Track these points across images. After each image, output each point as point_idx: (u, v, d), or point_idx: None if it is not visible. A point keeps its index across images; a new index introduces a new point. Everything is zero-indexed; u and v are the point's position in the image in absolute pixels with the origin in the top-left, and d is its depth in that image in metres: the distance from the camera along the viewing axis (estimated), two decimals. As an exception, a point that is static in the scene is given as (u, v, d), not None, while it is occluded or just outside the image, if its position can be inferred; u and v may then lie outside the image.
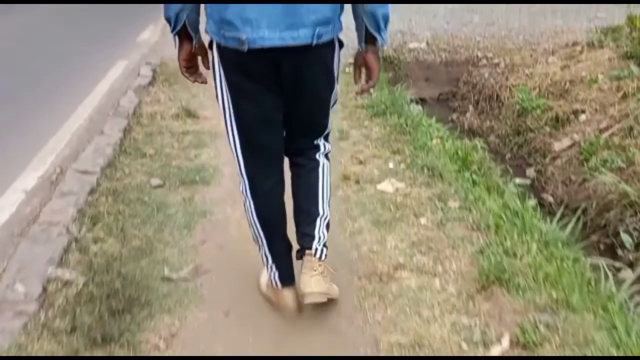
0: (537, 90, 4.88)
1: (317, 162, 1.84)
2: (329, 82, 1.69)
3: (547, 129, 4.40)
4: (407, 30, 6.70)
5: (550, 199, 3.85)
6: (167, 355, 1.71)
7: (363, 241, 2.34)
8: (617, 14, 7.31)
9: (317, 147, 1.84)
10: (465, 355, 1.71)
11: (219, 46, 1.56)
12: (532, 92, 4.88)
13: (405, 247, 2.29)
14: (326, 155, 1.87)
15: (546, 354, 1.68)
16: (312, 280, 1.74)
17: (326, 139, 1.87)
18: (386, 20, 1.60)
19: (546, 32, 6.32)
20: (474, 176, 3.32)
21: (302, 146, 1.82)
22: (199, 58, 1.68)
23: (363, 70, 1.73)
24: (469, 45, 6.12)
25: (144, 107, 3.99)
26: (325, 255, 1.80)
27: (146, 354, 1.70)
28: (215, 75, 1.64)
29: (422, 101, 5.87)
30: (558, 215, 2.87)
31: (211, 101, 4.27)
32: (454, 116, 5.56)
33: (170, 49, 5.74)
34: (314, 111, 1.75)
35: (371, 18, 1.58)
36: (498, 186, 3.32)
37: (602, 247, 3.20)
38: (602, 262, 2.39)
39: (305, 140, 1.82)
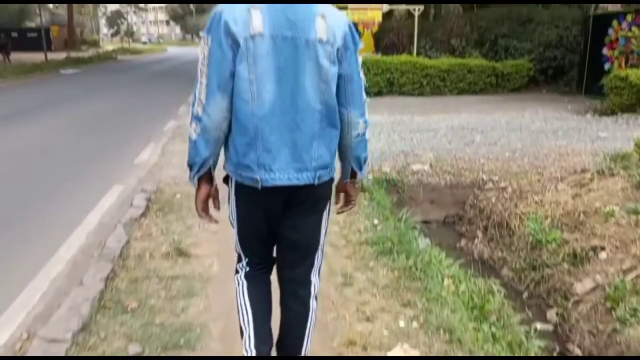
0: (549, 220, 4.66)
1: (308, 307, 1.99)
2: (324, 210, 1.94)
3: (566, 265, 4.10)
4: (410, 150, 6.65)
5: (578, 350, 3.46)
6: None
7: None
8: (618, 134, 7.34)
9: (309, 285, 1.98)
10: None
11: (235, 182, 1.82)
12: (544, 221, 4.65)
13: None
14: (316, 297, 2.02)
15: None
16: None
17: (319, 273, 2.02)
18: (365, 160, 1.97)
19: (551, 154, 6.24)
20: (494, 328, 3.02)
21: (296, 278, 1.97)
22: (211, 200, 1.89)
23: (342, 195, 2.06)
24: (473, 167, 6.01)
25: (133, 244, 3.72)
26: None
27: None
28: (229, 201, 1.90)
29: (427, 224, 5.66)
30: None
31: (206, 234, 4.05)
32: (463, 243, 5.29)
33: (168, 172, 5.74)
34: (310, 237, 1.94)
35: (356, 160, 1.94)
36: (521, 342, 2.99)
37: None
38: None
39: (299, 271, 1.96)
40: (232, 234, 1.98)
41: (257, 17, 1.64)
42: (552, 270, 4.16)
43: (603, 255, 3.96)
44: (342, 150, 1.91)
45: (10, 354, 2.44)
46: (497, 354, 2.72)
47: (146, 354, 2.50)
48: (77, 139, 7.57)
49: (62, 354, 2.36)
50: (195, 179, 1.81)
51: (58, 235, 3.88)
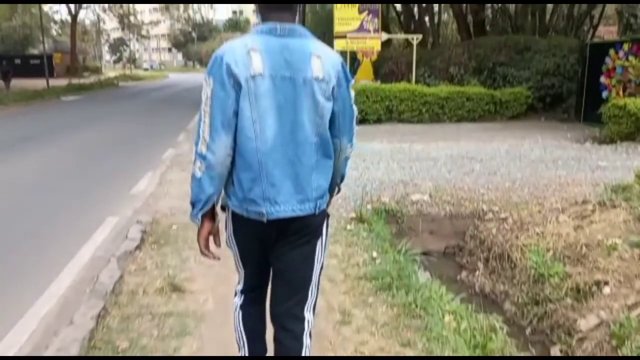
0: (551, 252, 4.58)
1: (301, 344, 1.98)
2: (319, 240, 1.98)
3: (569, 300, 4.01)
4: (409, 179, 6.60)
5: (584, 390, 3.34)
6: None
7: None
8: (618, 163, 7.31)
9: (302, 321, 1.98)
10: None
11: (236, 217, 1.87)
12: (546, 254, 4.57)
13: None
14: (310, 334, 2.01)
15: None
16: None
17: (313, 309, 2.03)
18: (344, 176, 2.10)
19: (551, 184, 6.20)
20: (497, 369, 2.92)
21: (288, 311, 1.96)
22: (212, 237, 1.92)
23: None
24: (473, 197, 5.96)
25: (126, 278, 3.64)
26: None
27: None
28: (227, 228, 1.94)
29: (427, 255, 5.58)
30: None
31: (202, 267, 3.96)
32: (463, 275, 5.20)
33: (165, 202, 5.68)
34: (303, 268, 1.96)
35: (339, 176, 2.06)
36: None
37: None
38: None
39: (291, 304, 1.96)
40: (231, 255, 2.04)
41: (257, 59, 1.72)
42: (556, 305, 4.06)
43: (607, 290, 3.87)
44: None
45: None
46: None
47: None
48: (75, 168, 7.54)
49: (48, 400, 2.26)
50: (199, 216, 1.83)
51: (50, 270, 3.81)
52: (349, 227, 5.00)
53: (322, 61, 1.78)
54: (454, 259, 5.62)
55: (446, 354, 2.79)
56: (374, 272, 3.85)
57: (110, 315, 3.12)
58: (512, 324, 4.16)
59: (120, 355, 2.71)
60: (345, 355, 2.81)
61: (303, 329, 1.97)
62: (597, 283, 3.96)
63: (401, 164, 7.54)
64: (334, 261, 4.08)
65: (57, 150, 9.02)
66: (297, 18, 1.84)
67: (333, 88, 1.81)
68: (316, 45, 1.81)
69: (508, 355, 3.22)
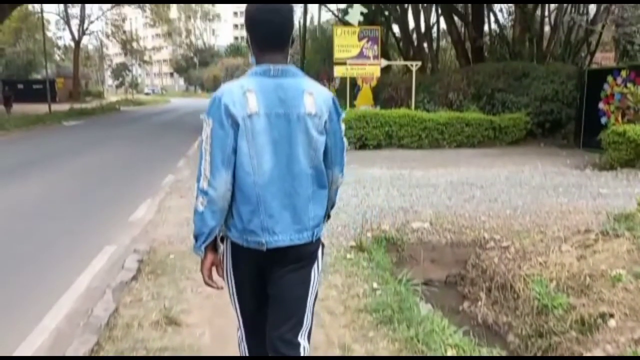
0: (554, 283, 4.50)
1: None
2: (313, 266, 2.04)
3: (574, 333, 3.92)
4: (409, 207, 6.56)
5: None
6: None
7: None
8: (619, 191, 7.28)
9: (297, 347, 1.99)
10: None
11: (235, 248, 1.94)
12: (550, 284, 4.50)
13: None
14: None
15: None
16: None
17: (308, 336, 2.06)
18: (334, 204, 2.19)
19: (552, 212, 6.15)
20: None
21: (282, 336, 1.98)
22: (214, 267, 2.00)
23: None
24: (474, 225, 5.90)
25: (121, 311, 3.56)
26: None
27: None
28: (225, 262, 2.00)
29: (429, 284, 5.50)
30: None
31: (199, 298, 3.89)
32: (465, 305, 5.10)
33: (163, 230, 5.62)
34: (299, 294, 2.01)
35: (330, 205, 2.12)
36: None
37: None
38: None
39: (285, 329, 1.98)
40: (227, 294, 2.07)
41: (252, 99, 1.83)
42: (560, 338, 3.97)
43: (612, 323, 3.78)
44: None
45: None
46: None
47: None
48: (73, 194, 7.50)
49: None
50: (202, 248, 1.91)
51: (44, 301, 3.73)
52: (348, 256, 4.94)
53: (314, 97, 1.89)
54: (456, 288, 5.54)
55: (449, 392, 2.71)
56: (374, 304, 3.77)
57: (104, 350, 3.04)
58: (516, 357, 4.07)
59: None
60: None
61: (298, 354, 1.99)
62: (602, 315, 3.88)
63: (401, 190, 7.51)
64: (334, 292, 4.01)
65: (58, 176, 9.00)
66: (288, 58, 1.96)
67: (325, 122, 1.92)
68: (308, 83, 1.93)
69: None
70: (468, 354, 3.32)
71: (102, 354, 2.99)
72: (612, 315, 3.83)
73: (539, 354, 4.06)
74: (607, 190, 7.27)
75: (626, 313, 3.80)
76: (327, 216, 2.12)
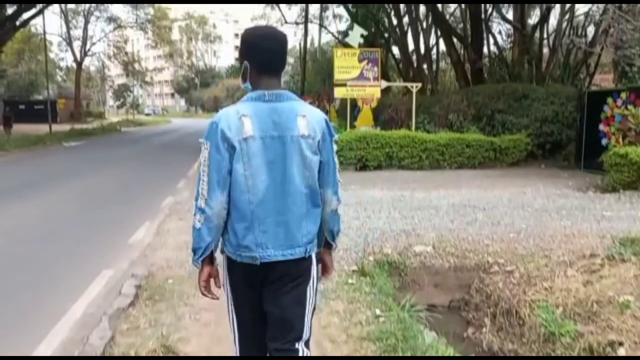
0: (560, 309, 4.41)
1: None
2: (309, 282, 2.12)
3: (583, 362, 3.81)
4: (411, 230, 6.48)
5: None
6: None
7: None
8: (623, 214, 7.21)
9: (297, 352, 2.07)
10: None
11: (231, 262, 2.05)
12: (556, 310, 4.40)
13: None
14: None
15: None
16: None
17: (307, 344, 2.14)
18: (338, 233, 2.26)
19: (556, 235, 6.07)
20: None
21: (283, 347, 2.06)
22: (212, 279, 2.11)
23: (320, 266, 2.26)
24: (477, 249, 5.82)
25: (117, 339, 3.47)
26: None
27: None
28: (222, 274, 2.11)
29: (432, 309, 5.39)
30: None
31: (197, 326, 3.78)
32: (470, 331, 5.00)
33: (161, 253, 5.53)
34: (297, 310, 2.09)
35: (329, 233, 2.22)
36: None
37: None
38: None
39: (286, 342, 2.06)
40: (225, 312, 2.14)
41: (248, 123, 1.96)
42: (569, 367, 3.86)
43: (622, 351, 3.69)
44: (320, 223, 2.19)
45: None
46: None
47: None
48: (71, 217, 7.43)
49: None
50: (199, 261, 2.03)
51: (39, 329, 3.64)
52: (350, 280, 4.85)
53: (307, 119, 2.02)
54: (460, 313, 5.43)
55: None
56: (377, 332, 3.68)
57: (99, 381, 2.94)
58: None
59: None
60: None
61: (297, 355, 2.09)
62: (611, 344, 3.78)
63: (403, 212, 7.44)
64: (336, 319, 3.92)
65: (57, 197, 8.95)
66: (281, 82, 2.10)
67: (319, 142, 2.04)
68: (301, 107, 2.05)
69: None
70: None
71: (96, 385, 2.90)
72: (621, 344, 3.73)
73: (546, 383, 3.95)
74: (610, 213, 7.20)
75: (635, 341, 3.71)
76: (334, 245, 2.24)
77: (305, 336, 2.11)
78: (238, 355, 2.16)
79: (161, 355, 2.66)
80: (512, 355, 4.41)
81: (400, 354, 3.35)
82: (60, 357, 2.39)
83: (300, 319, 2.09)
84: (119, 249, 5.69)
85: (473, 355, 4.55)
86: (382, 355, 3.36)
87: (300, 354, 2.08)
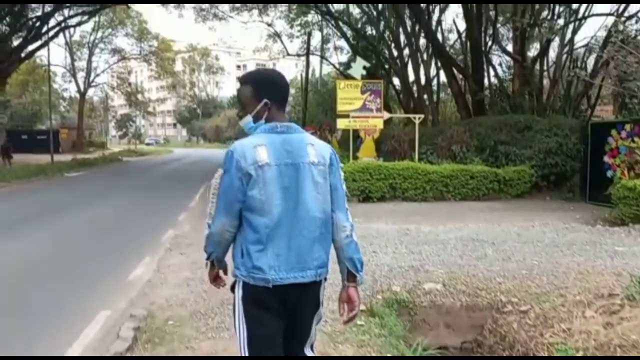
0: (581, 353, 4.19)
1: None
2: (319, 302, 2.24)
3: (609, 412, 3.58)
4: (419, 266, 6.28)
5: None
6: None
7: None
8: (636, 249, 7.03)
9: (302, 353, 2.23)
10: None
11: (245, 285, 2.12)
12: (576, 354, 4.19)
13: None
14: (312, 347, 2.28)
15: None
16: None
17: (311, 348, 2.28)
18: (361, 263, 2.26)
19: (570, 272, 5.87)
20: None
21: (290, 350, 2.18)
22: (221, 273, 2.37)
23: (346, 305, 2.28)
24: (489, 286, 5.61)
25: (114, 389, 3.26)
26: None
27: None
28: (235, 309, 2.17)
29: (444, 351, 5.17)
30: None
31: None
32: (484, 376, 4.76)
33: (161, 291, 5.31)
34: (308, 322, 2.22)
35: (350, 261, 2.24)
36: None
37: None
38: None
39: (295, 348, 2.21)
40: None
41: (263, 152, 2.11)
42: (594, 418, 3.63)
43: (651, 401, 3.46)
44: (337, 253, 2.26)
45: None
46: None
47: None
48: (69, 252, 7.25)
49: None
50: (207, 263, 2.33)
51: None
52: (358, 322, 4.63)
53: (315, 148, 2.19)
54: (473, 355, 5.20)
55: None
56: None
57: None
58: None
59: None
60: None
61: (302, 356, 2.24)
62: (639, 393, 3.55)
63: (410, 247, 7.25)
64: (345, 366, 3.70)
65: (56, 231, 8.78)
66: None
67: (328, 169, 2.20)
68: (309, 137, 2.24)
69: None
70: None
71: None
72: (650, 393, 3.51)
73: None
74: (623, 248, 7.01)
75: (665, 391, 3.48)
76: (357, 275, 2.24)
77: (311, 340, 2.26)
78: None
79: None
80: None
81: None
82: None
83: (307, 334, 2.24)
84: (117, 287, 5.49)
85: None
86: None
87: (307, 354, 2.23)
